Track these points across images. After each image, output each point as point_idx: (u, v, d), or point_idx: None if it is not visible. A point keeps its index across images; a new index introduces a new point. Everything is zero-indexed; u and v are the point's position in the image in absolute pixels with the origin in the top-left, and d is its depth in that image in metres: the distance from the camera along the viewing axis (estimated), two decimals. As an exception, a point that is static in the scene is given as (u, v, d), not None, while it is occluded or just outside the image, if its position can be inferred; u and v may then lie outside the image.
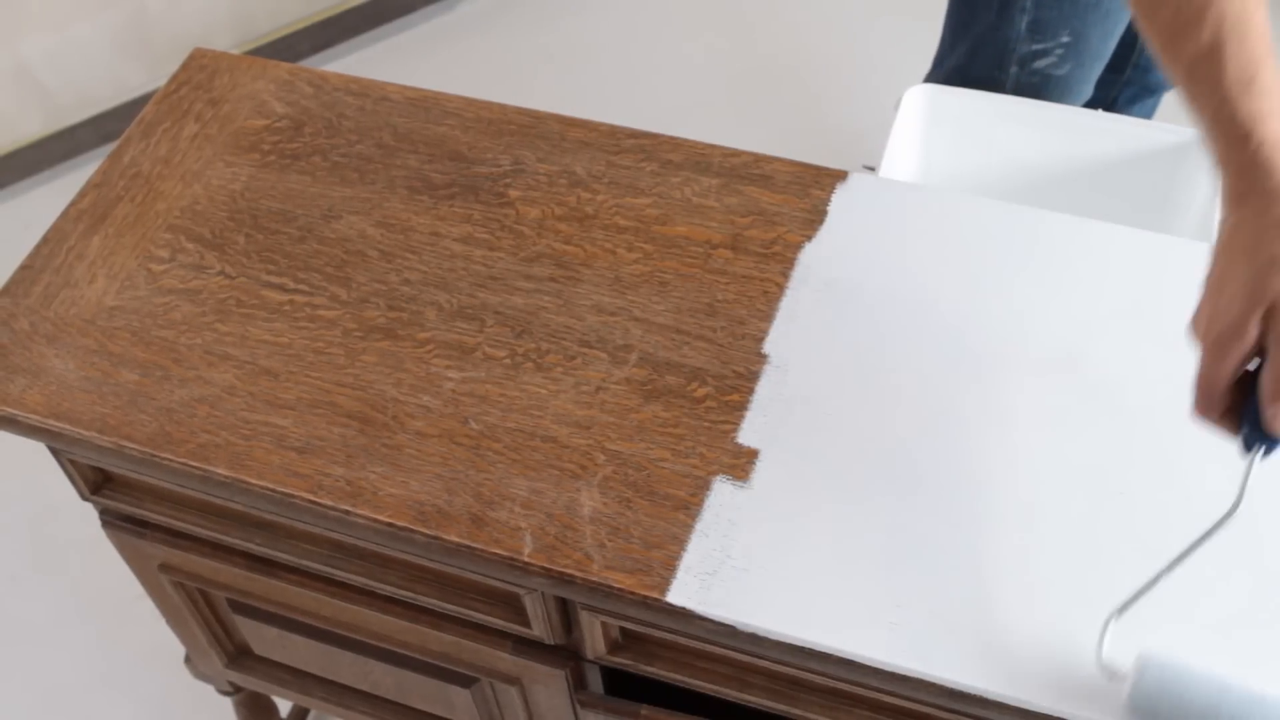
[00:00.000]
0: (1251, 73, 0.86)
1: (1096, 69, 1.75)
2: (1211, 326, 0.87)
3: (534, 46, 2.80)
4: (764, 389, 1.09)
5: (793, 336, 1.12)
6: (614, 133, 1.28)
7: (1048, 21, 1.66)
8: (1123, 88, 2.02)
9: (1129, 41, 1.93)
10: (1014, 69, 1.71)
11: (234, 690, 1.62)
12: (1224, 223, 0.89)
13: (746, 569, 0.98)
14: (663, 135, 1.27)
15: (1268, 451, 0.87)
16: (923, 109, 1.75)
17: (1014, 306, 1.13)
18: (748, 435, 1.06)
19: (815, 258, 1.17)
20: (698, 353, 1.11)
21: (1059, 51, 1.68)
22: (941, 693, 0.94)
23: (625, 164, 1.25)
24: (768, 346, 1.11)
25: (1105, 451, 1.03)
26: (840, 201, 1.21)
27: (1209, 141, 0.89)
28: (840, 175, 1.23)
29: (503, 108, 1.31)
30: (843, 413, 1.07)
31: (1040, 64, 1.71)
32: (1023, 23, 1.67)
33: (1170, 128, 1.68)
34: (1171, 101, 2.12)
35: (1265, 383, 0.85)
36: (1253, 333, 0.85)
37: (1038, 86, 1.73)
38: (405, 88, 1.35)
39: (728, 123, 2.58)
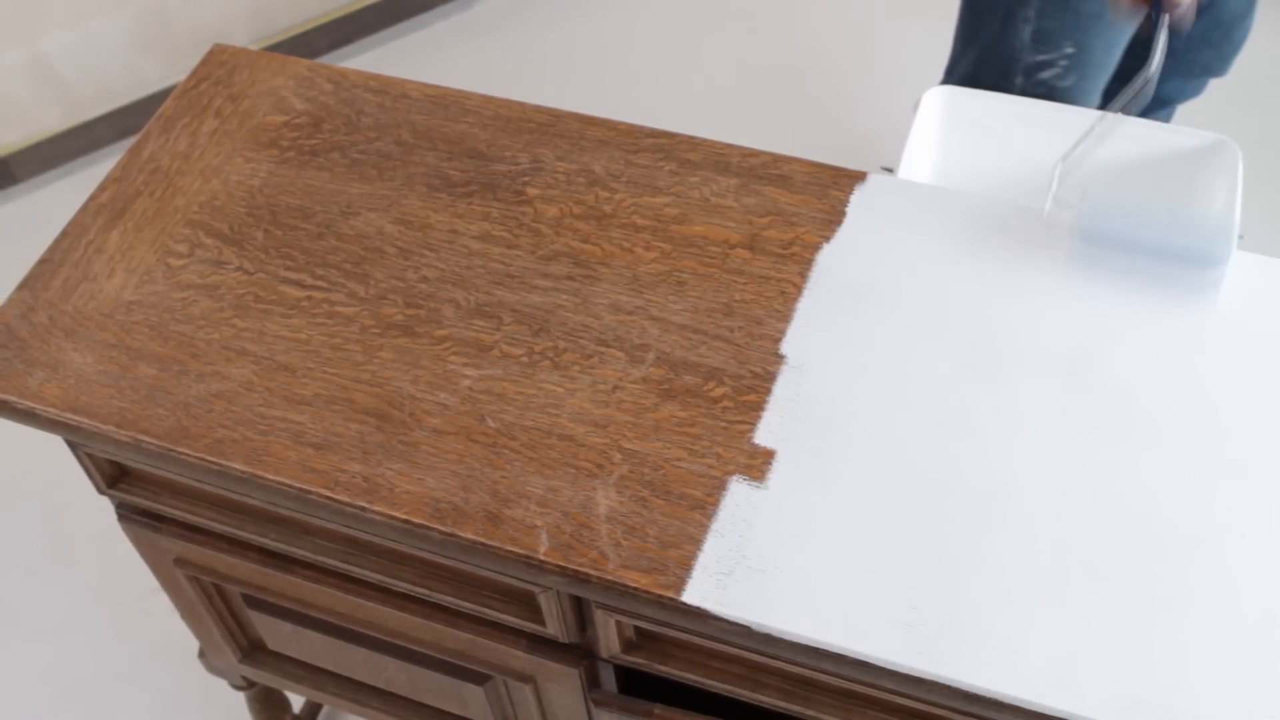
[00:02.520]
0: None
1: (1101, 80, 1.75)
2: None
3: (551, 45, 2.80)
4: (781, 389, 1.09)
5: (810, 337, 1.12)
6: (632, 132, 1.28)
7: (1050, 32, 1.66)
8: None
9: (1138, 54, 1.93)
10: (1019, 79, 1.71)
11: (247, 685, 1.62)
12: None
13: (762, 569, 0.98)
14: (681, 135, 1.27)
15: (1172, 24, 0.98)
16: (941, 111, 1.74)
17: (1031, 309, 1.13)
18: (764, 435, 1.06)
19: (833, 258, 1.17)
20: (715, 353, 1.11)
21: (1063, 63, 1.68)
22: (955, 695, 0.94)
23: (644, 163, 1.25)
24: (785, 347, 1.11)
25: (1121, 455, 1.03)
26: (859, 202, 1.21)
27: None
28: (859, 176, 1.22)
29: (521, 106, 1.31)
30: (859, 414, 1.07)
31: (1045, 75, 1.71)
32: (1026, 33, 1.67)
33: (1189, 131, 1.67)
34: (1185, 108, 2.11)
35: None
36: None
37: (1043, 98, 1.73)
38: (424, 85, 1.35)
39: (744, 123, 2.57)
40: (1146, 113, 2.02)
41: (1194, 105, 2.11)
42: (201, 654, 1.58)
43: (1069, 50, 1.67)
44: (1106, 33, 1.66)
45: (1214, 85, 2.03)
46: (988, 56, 1.74)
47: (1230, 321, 1.11)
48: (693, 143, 1.27)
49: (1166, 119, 2.07)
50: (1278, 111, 2.53)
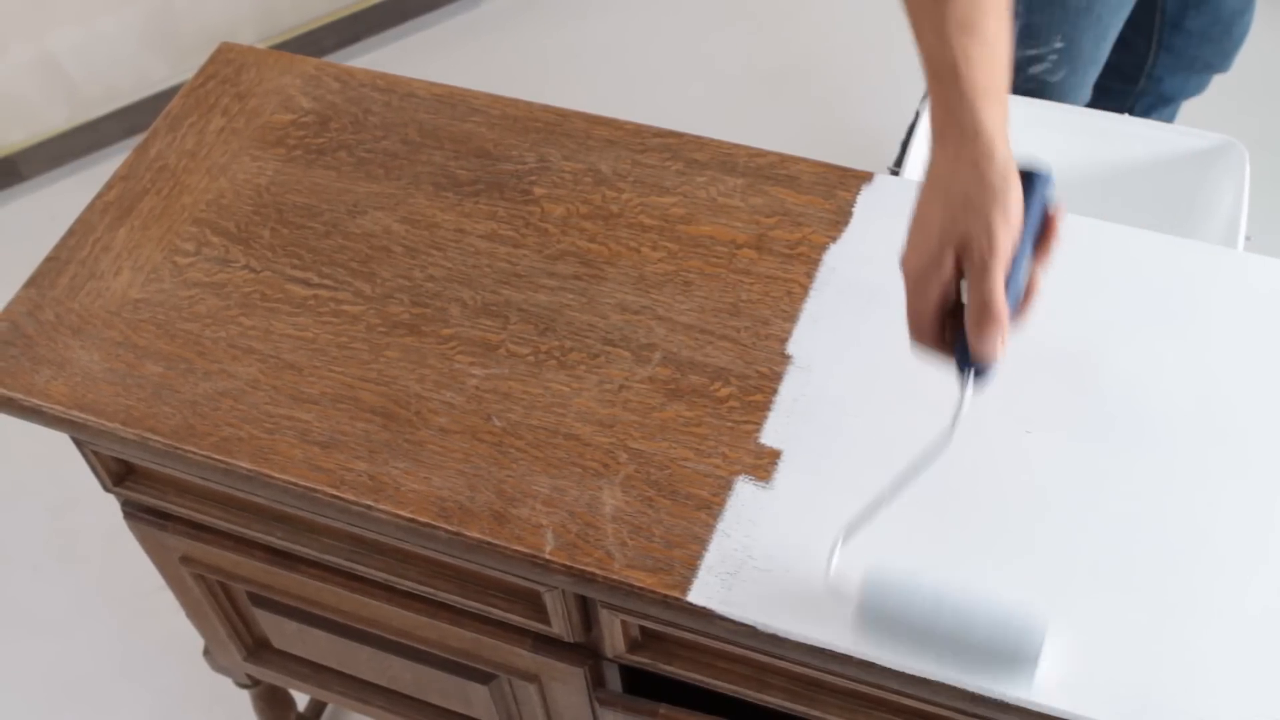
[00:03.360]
0: (974, 17, 0.90)
1: (1091, 74, 1.75)
2: (912, 262, 0.93)
3: (557, 44, 2.80)
4: (787, 390, 1.08)
5: (816, 338, 1.12)
6: (639, 131, 1.28)
7: (1039, 26, 1.66)
8: (1137, 98, 2.02)
9: (1141, 52, 1.93)
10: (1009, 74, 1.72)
11: (252, 683, 1.63)
12: (928, 161, 0.94)
13: (768, 569, 0.98)
14: (688, 134, 1.27)
15: (978, 375, 0.93)
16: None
17: (1038, 311, 1.12)
18: (770, 436, 1.06)
19: (840, 259, 1.17)
20: (721, 352, 1.11)
21: (1052, 58, 1.68)
22: (961, 696, 0.94)
23: (650, 163, 1.25)
24: (791, 347, 1.11)
25: (1127, 457, 1.03)
26: (866, 203, 1.20)
27: (925, 78, 0.93)
28: (866, 177, 1.22)
29: (528, 105, 1.32)
30: (865, 414, 1.07)
31: (1035, 70, 1.71)
32: (1015, 27, 1.67)
33: (1196, 132, 1.67)
34: (1190, 109, 2.11)
35: (967, 314, 0.90)
36: (948, 266, 0.91)
37: (1034, 93, 1.74)
38: (431, 84, 1.35)
39: (751, 123, 2.57)
40: (1150, 111, 2.02)
41: (1200, 106, 2.11)
42: (206, 652, 1.58)
43: (1058, 44, 1.67)
44: (1095, 26, 1.67)
45: (1220, 87, 2.03)
46: None
47: (1236, 323, 1.11)
48: (699, 142, 1.26)
49: (1170, 117, 2.07)
50: (1285, 113, 2.52)
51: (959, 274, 0.92)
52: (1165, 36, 1.91)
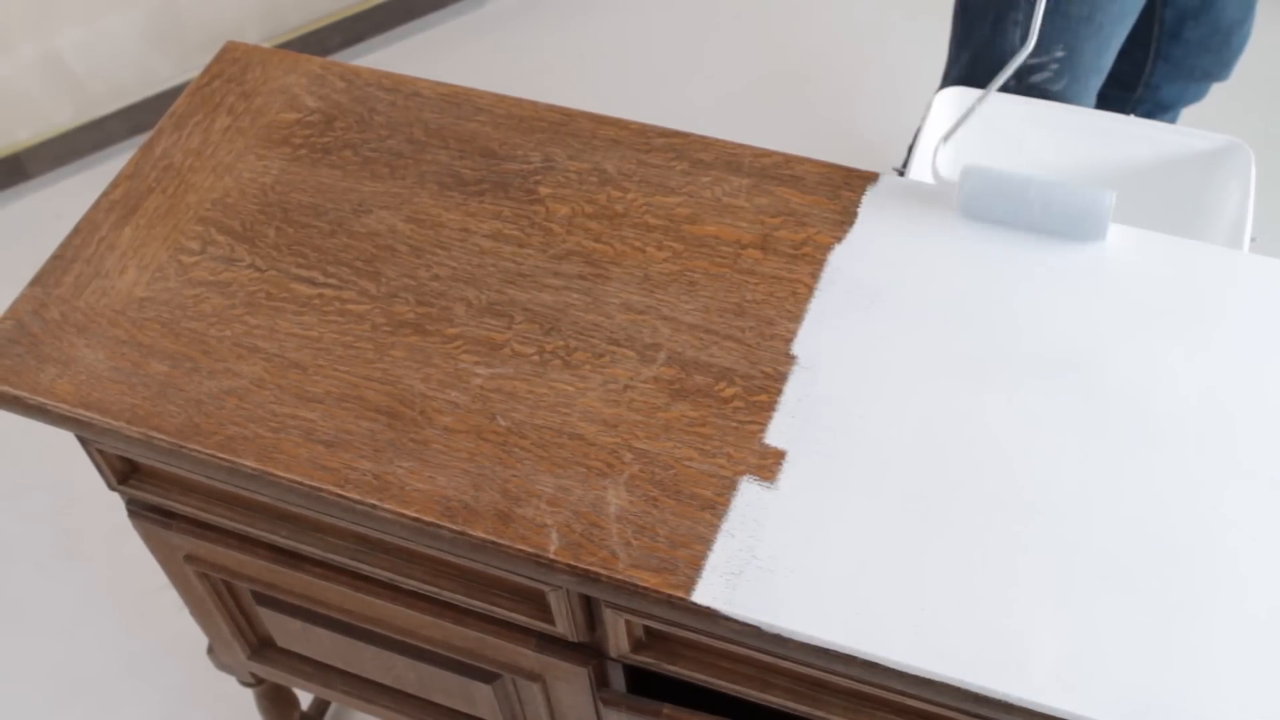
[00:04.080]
0: None
1: (1094, 84, 1.75)
2: None
3: (563, 44, 2.80)
4: (792, 390, 1.08)
5: (821, 338, 1.12)
6: (644, 131, 1.28)
7: (1041, 34, 1.66)
8: (1135, 106, 2.02)
9: (1139, 59, 1.93)
10: (1011, 82, 1.72)
11: (256, 682, 1.63)
12: None
13: (772, 570, 0.98)
14: (693, 134, 1.27)
15: None
16: (952, 112, 1.74)
17: (1042, 311, 1.13)
18: (775, 436, 1.06)
19: (845, 259, 1.17)
20: (726, 353, 1.11)
21: (1054, 66, 1.68)
22: (964, 696, 0.94)
23: (656, 163, 1.25)
24: (796, 347, 1.11)
25: (1131, 457, 1.03)
26: (871, 203, 1.20)
27: None
28: (871, 177, 1.22)
29: (534, 105, 1.32)
30: (871, 415, 1.07)
31: (1036, 78, 1.71)
32: (1016, 36, 1.68)
33: (1202, 133, 1.67)
34: (1195, 110, 2.11)
35: None
36: None
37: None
38: (436, 83, 1.35)
39: (756, 123, 2.57)
40: (1148, 118, 2.02)
41: (1206, 107, 2.11)
42: (210, 651, 1.58)
43: (1059, 53, 1.67)
44: (1097, 35, 1.67)
45: (1226, 88, 2.03)
46: (980, 59, 1.75)
47: (1242, 324, 1.11)
48: (704, 143, 1.26)
49: (1170, 123, 2.07)
50: (1290, 114, 2.52)
51: None
52: (1163, 46, 1.91)
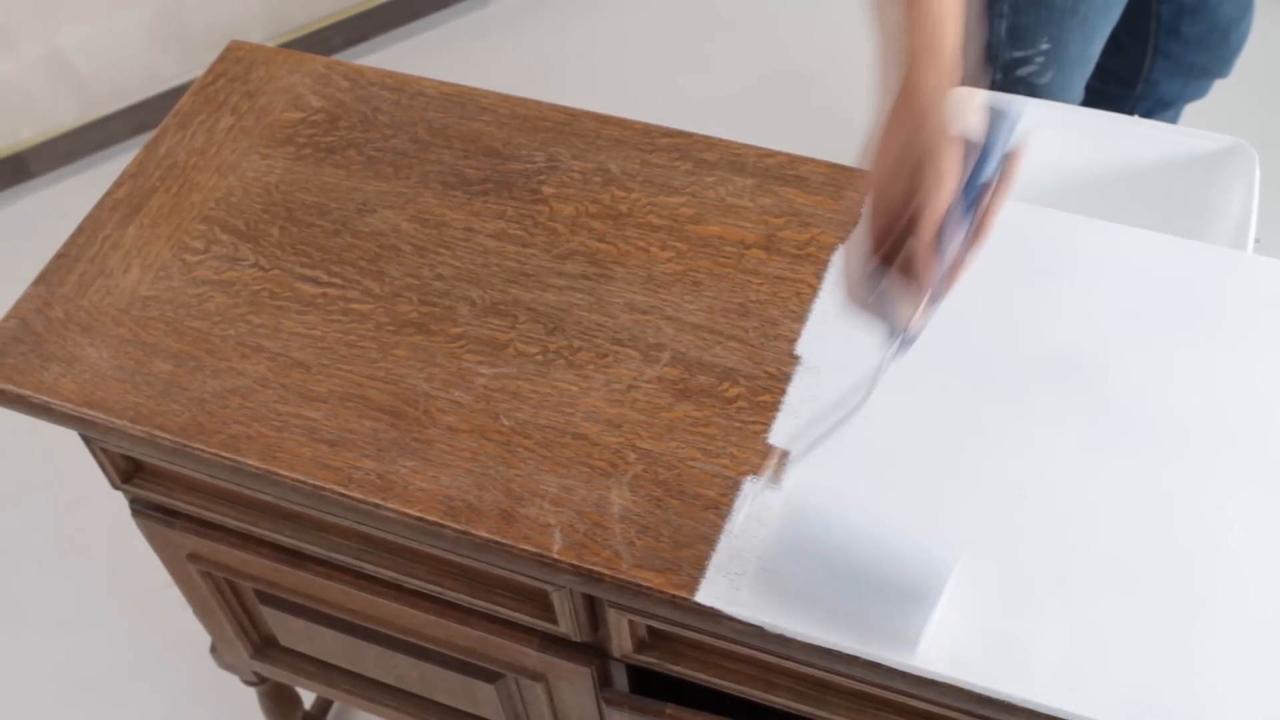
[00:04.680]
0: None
1: (1079, 76, 1.75)
2: (870, 182, 0.93)
3: (567, 43, 2.80)
4: (795, 390, 1.08)
5: (825, 338, 1.11)
6: (649, 131, 1.28)
7: (1025, 28, 1.66)
8: (1135, 103, 2.02)
9: (1138, 57, 1.93)
10: (998, 75, 1.72)
11: (259, 681, 1.63)
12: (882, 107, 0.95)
13: (776, 570, 0.98)
14: (697, 134, 1.27)
15: (903, 343, 0.94)
16: (957, 113, 1.74)
17: (1046, 312, 1.12)
18: (779, 436, 1.06)
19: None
20: (730, 353, 1.11)
21: (1040, 59, 1.68)
22: (967, 697, 0.93)
23: (660, 163, 1.25)
24: (800, 348, 1.11)
25: (1136, 461, 1.03)
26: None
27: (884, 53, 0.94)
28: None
29: (538, 104, 1.32)
30: (874, 416, 1.06)
31: (1022, 71, 1.70)
32: (1002, 28, 1.67)
33: (1205, 134, 1.67)
34: (1199, 111, 2.11)
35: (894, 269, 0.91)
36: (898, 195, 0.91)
37: (1023, 95, 1.73)
38: (441, 83, 1.35)
39: (760, 123, 2.57)
40: (1150, 115, 2.02)
41: (1210, 108, 2.11)
42: (213, 649, 1.58)
43: (1045, 46, 1.67)
44: (1081, 27, 1.66)
45: (1230, 88, 2.03)
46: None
47: (1246, 326, 1.11)
48: (709, 143, 1.26)
49: (1172, 120, 2.07)
50: (1294, 115, 2.52)
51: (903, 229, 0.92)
52: (1161, 43, 1.91)
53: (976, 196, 0.93)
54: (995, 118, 0.93)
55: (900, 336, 0.94)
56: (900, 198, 0.91)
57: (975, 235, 0.94)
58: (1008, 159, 0.93)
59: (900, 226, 0.91)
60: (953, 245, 0.92)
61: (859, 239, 0.93)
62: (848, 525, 0.97)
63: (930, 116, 0.90)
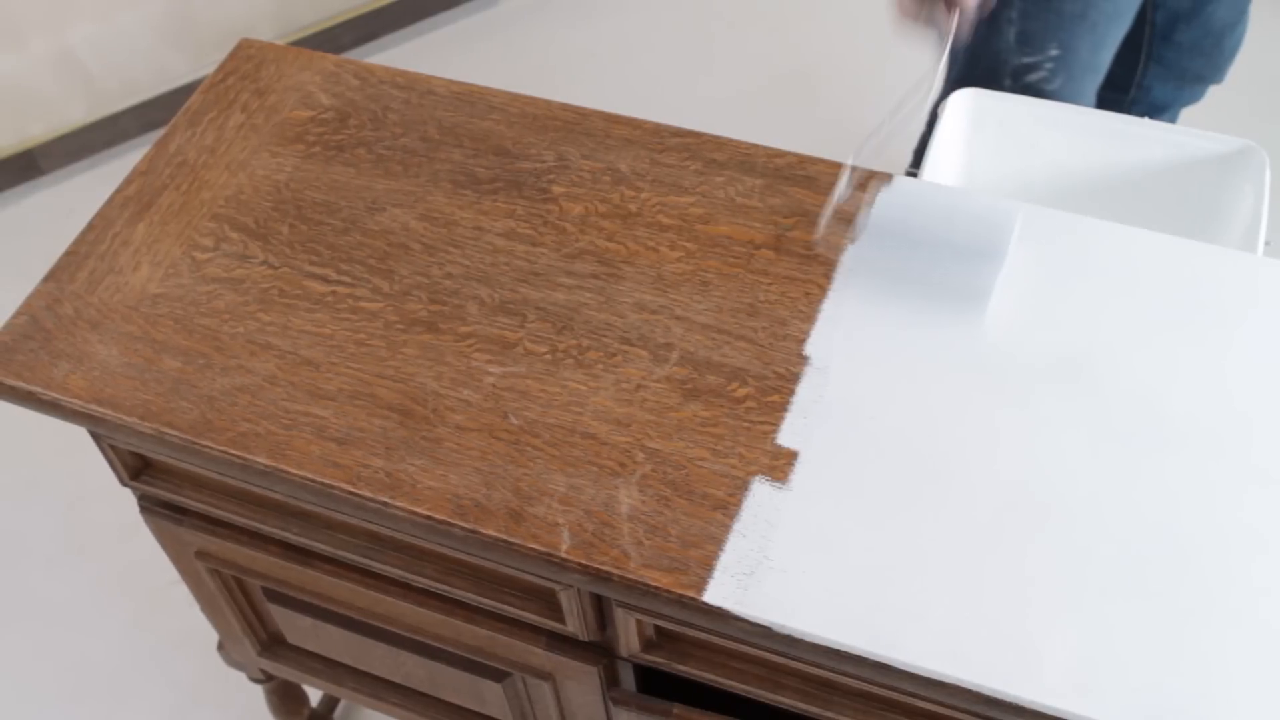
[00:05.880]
0: None
1: (1090, 82, 1.75)
2: None
3: (577, 42, 2.80)
4: (804, 391, 1.08)
5: (834, 339, 1.11)
6: (658, 131, 1.28)
7: (1034, 33, 1.65)
8: (1129, 107, 2.02)
9: (1131, 61, 1.93)
10: (1007, 81, 1.72)
11: (266, 678, 1.63)
12: None
13: (784, 570, 0.98)
14: (707, 134, 1.27)
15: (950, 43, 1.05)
16: (966, 113, 1.74)
17: (1054, 314, 1.12)
18: (787, 437, 1.06)
19: (858, 260, 1.17)
20: (739, 353, 1.11)
21: (1049, 65, 1.68)
22: (976, 699, 0.93)
23: (669, 162, 1.25)
24: (809, 348, 1.11)
25: (1146, 462, 1.03)
26: (884, 204, 1.20)
27: None
28: (884, 178, 1.22)
29: (547, 103, 1.32)
30: (883, 416, 1.07)
31: (1032, 78, 1.70)
32: (1011, 34, 1.67)
33: (1216, 136, 1.67)
34: (1208, 113, 2.10)
35: None
36: None
37: None
38: (450, 82, 1.35)
39: (770, 123, 2.57)
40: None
41: (1219, 110, 2.11)
42: (221, 647, 1.58)
43: (1054, 52, 1.66)
44: (1091, 33, 1.66)
45: (1241, 90, 2.03)
46: (976, 59, 1.75)
47: (1256, 328, 1.11)
48: (718, 142, 1.26)
49: (1170, 124, 2.06)
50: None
51: None
52: (1155, 48, 1.91)
53: None
54: None
55: (948, 39, 1.03)
56: None
57: None
58: None
59: None
60: None
61: None
62: (925, 206, 1.13)
63: None
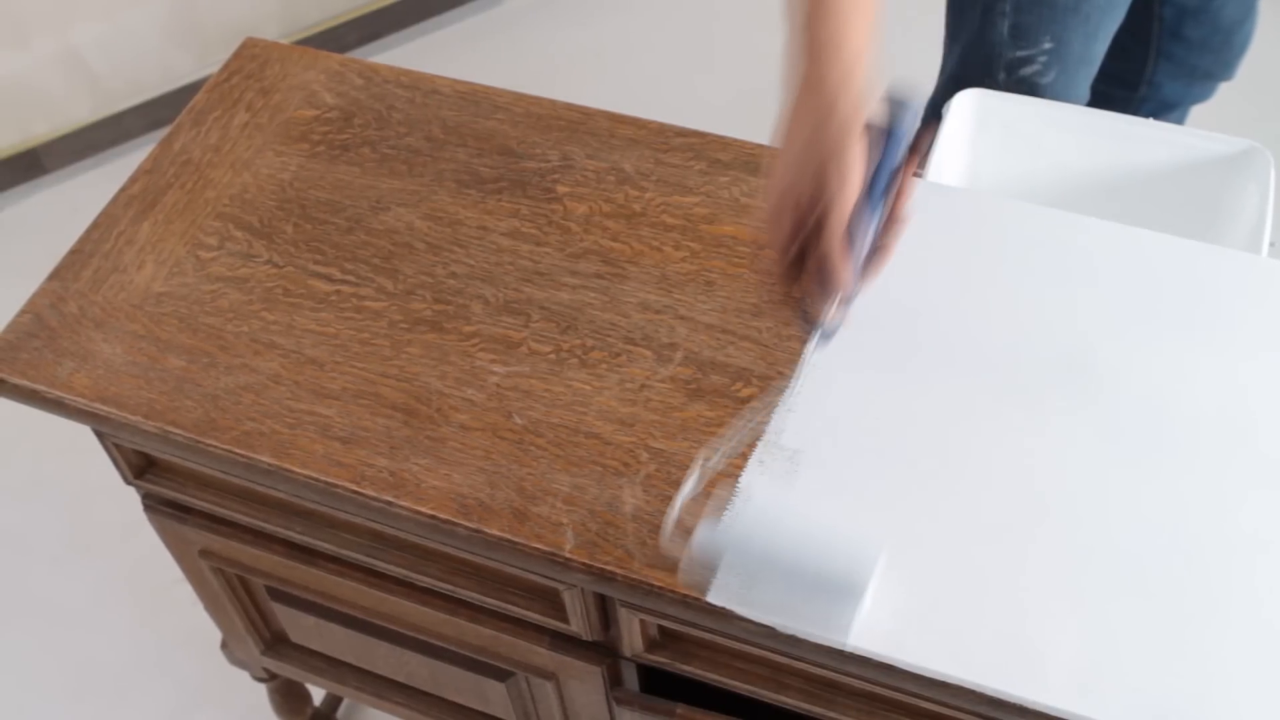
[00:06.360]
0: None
1: (1084, 75, 1.74)
2: (768, 195, 0.95)
3: (581, 42, 2.80)
4: (808, 391, 1.08)
5: (838, 339, 1.11)
6: (663, 131, 1.28)
7: (1028, 26, 1.65)
8: (1139, 106, 2.01)
9: (1140, 59, 1.92)
10: (1001, 75, 1.71)
11: (269, 677, 1.63)
12: (783, 104, 0.95)
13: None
14: (711, 134, 1.27)
15: (823, 335, 0.97)
16: (971, 113, 1.74)
17: (1060, 315, 1.12)
18: (790, 437, 1.06)
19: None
20: (743, 353, 1.11)
21: (1043, 58, 1.68)
22: (979, 700, 0.93)
23: (674, 162, 1.25)
24: (812, 349, 1.11)
25: (1150, 465, 1.03)
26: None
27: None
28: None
29: (552, 103, 1.32)
30: (885, 416, 1.06)
31: (1025, 71, 1.70)
32: (1004, 27, 1.67)
33: (1222, 137, 1.66)
34: (1213, 113, 2.10)
35: (807, 269, 0.92)
36: (800, 204, 0.92)
37: (1026, 95, 1.73)
38: (455, 81, 1.35)
39: (770, 123, 2.57)
40: (1155, 118, 2.01)
41: (1224, 110, 2.10)
42: (224, 645, 1.59)
43: (1047, 45, 1.66)
44: (1084, 26, 1.66)
45: (1245, 91, 2.02)
46: (970, 53, 1.74)
47: (1260, 329, 1.10)
48: (723, 142, 1.26)
49: (1179, 122, 2.06)
50: (1309, 118, 2.51)
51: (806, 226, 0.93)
52: (1164, 45, 1.90)
53: (887, 184, 0.93)
54: (897, 106, 0.93)
55: (820, 331, 0.97)
56: (807, 196, 0.91)
57: (890, 222, 0.94)
58: (914, 143, 0.93)
59: (809, 225, 0.91)
60: (864, 239, 0.93)
61: (771, 239, 0.95)
62: (789, 528, 0.97)
63: (833, 113, 0.89)
